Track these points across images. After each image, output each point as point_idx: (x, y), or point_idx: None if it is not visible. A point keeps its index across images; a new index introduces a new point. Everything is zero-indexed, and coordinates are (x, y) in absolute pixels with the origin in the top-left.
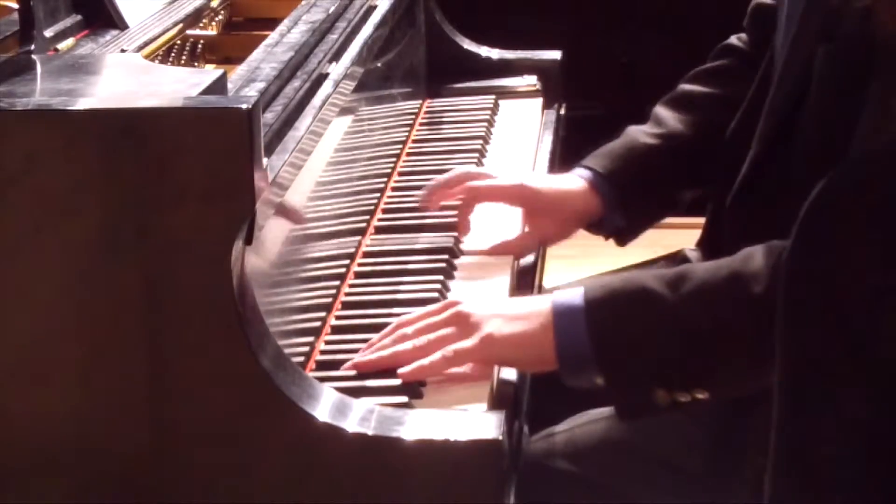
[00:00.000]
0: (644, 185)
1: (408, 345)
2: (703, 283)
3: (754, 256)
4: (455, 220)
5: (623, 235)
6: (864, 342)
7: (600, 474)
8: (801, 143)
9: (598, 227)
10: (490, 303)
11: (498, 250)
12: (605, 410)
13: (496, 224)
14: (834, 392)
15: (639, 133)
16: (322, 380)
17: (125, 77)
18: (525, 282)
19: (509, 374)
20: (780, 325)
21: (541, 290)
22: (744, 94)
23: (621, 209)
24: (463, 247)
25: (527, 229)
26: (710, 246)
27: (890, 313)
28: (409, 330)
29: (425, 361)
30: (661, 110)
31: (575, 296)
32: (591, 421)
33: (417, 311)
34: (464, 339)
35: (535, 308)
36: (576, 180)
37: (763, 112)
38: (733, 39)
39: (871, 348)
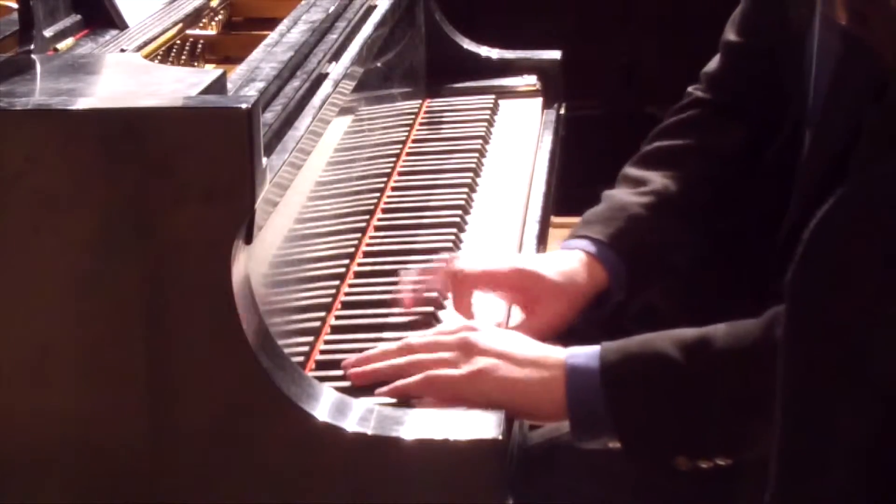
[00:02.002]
0: (646, 247)
1: (403, 359)
2: (724, 353)
3: (779, 322)
4: (456, 219)
5: (618, 316)
6: (865, 371)
7: (601, 476)
8: None
9: (598, 305)
10: (504, 339)
11: None
12: None
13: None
14: (836, 421)
15: (624, 195)
16: (322, 379)
17: (125, 77)
18: None
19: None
20: (781, 351)
21: None
22: (720, 143)
23: (627, 277)
24: None
25: (526, 319)
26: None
27: (891, 343)
28: (415, 343)
29: (409, 381)
30: (637, 171)
31: (591, 353)
32: None
33: (434, 330)
34: (458, 367)
35: (547, 356)
36: (573, 255)
37: (801, 167)
38: (694, 91)
39: (873, 377)
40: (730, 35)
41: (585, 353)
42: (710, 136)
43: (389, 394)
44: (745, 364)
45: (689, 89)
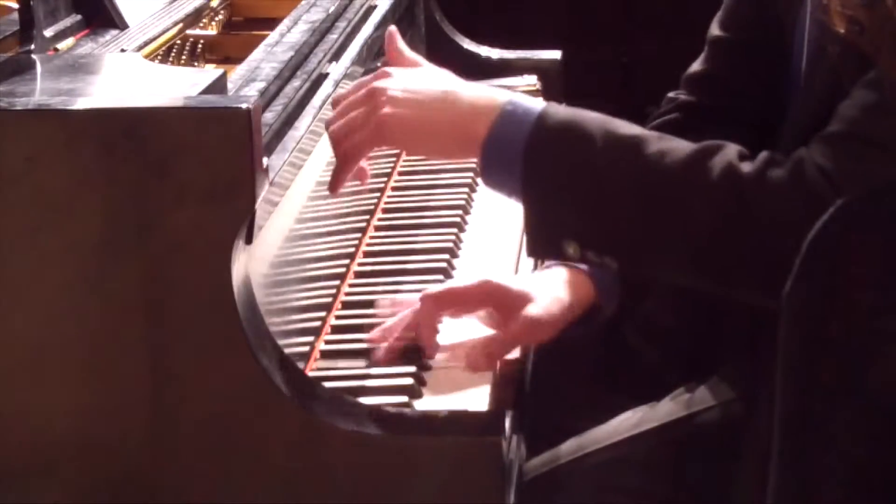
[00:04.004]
0: None
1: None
2: (646, 160)
3: (713, 159)
4: (456, 219)
5: (618, 330)
6: (863, 384)
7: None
8: None
9: (588, 320)
10: (418, 77)
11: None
12: (607, 428)
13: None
14: (833, 433)
15: None
16: (322, 380)
17: (125, 77)
18: None
19: (510, 373)
20: (780, 365)
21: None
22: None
23: (618, 289)
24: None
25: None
26: None
27: (889, 358)
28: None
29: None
30: None
31: (531, 109)
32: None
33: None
34: (363, 126)
35: (479, 96)
36: (551, 272)
37: (790, 121)
38: (676, 95)
39: (870, 390)
40: (714, 30)
41: (523, 105)
42: (691, 137)
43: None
44: (657, 179)
45: (670, 95)
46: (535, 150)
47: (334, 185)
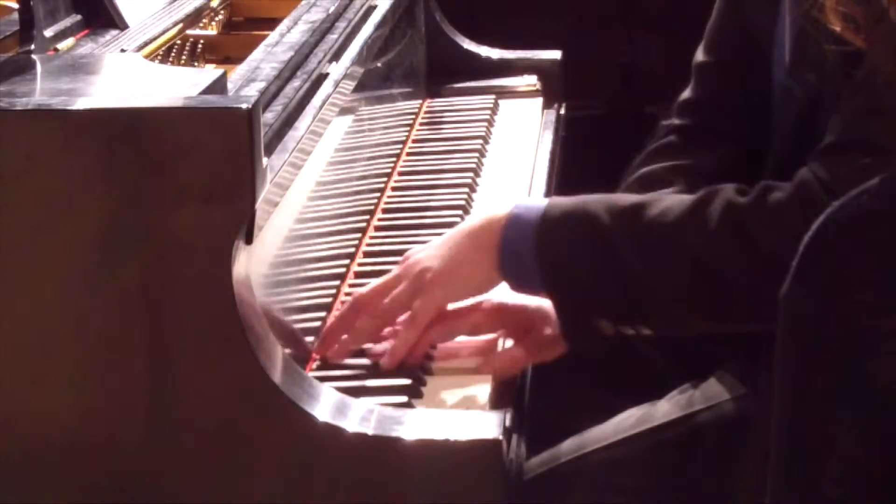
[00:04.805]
0: None
1: (366, 318)
2: (650, 223)
3: (709, 200)
4: (456, 219)
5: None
6: (862, 384)
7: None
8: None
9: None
10: (439, 239)
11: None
12: (606, 427)
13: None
14: (832, 434)
15: None
16: (322, 380)
17: (125, 77)
18: None
19: (510, 374)
20: (778, 366)
21: None
22: (702, 162)
23: None
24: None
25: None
26: None
27: (887, 358)
28: (364, 296)
29: (396, 342)
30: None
31: (533, 206)
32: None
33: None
34: (414, 295)
35: (490, 216)
36: None
37: (770, 139)
38: (668, 123)
39: (869, 391)
40: (699, 57)
41: (527, 206)
42: (691, 156)
43: (389, 362)
44: (666, 238)
45: (663, 123)
46: (545, 241)
47: (392, 361)
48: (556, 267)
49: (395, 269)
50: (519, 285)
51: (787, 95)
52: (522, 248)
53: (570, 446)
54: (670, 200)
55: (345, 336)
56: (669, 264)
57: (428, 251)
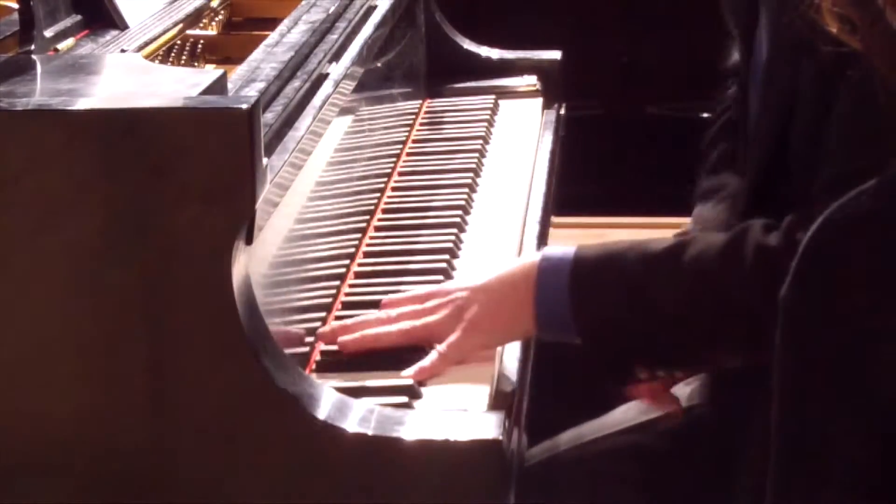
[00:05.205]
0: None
1: (393, 326)
2: (683, 270)
3: (739, 241)
4: (457, 220)
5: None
6: (862, 386)
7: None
8: (796, 166)
9: None
10: (474, 277)
11: None
12: (606, 418)
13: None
14: (833, 437)
15: None
16: (322, 379)
17: (125, 77)
18: None
19: (510, 373)
20: (778, 366)
21: None
22: None
23: None
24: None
25: None
26: None
27: (886, 358)
28: (393, 312)
29: (425, 363)
30: (702, 209)
31: (564, 256)
32: (595, 429)
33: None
34: (451, 329)
35: (522, 264)
36: None
37: (748, 138)
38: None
39: (870, 393)
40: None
41: (558, 255)
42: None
43: (415, 376)
44: (699, 284)
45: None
46: (581, 301)
47: (418, 377)
48: (594, 325)
49: (430, 295)
50: (556, 338)
51: (764, 93)
52: (557, 309)
53: (569, 436)
54: (701, 244)
55: (363, 334)
56: (707, 311)
57: (467, 289)
